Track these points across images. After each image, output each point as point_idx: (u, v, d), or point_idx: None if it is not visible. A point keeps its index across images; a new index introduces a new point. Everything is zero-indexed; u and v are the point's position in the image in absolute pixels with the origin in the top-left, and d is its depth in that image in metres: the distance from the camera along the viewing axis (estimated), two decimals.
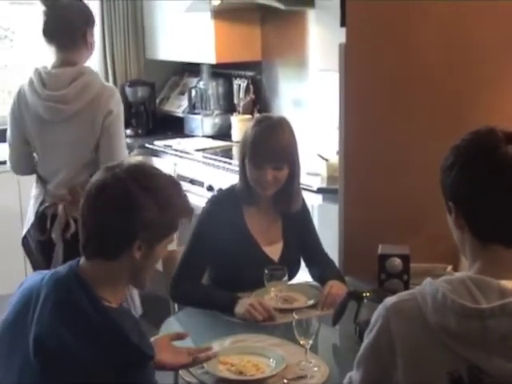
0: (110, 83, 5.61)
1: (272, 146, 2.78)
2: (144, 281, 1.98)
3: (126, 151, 3.53)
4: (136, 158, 1.87)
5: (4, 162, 4.77)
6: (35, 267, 3.54)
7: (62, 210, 3.41)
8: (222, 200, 2.94)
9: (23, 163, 3.59)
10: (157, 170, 1.99)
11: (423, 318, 1.59)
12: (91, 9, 3.53)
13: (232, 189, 2.96)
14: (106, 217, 1.86)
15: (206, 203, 2.95)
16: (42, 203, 3.49)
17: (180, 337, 2.33)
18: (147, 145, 5.33)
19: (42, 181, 3.51)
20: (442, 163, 1.73)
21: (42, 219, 3.46)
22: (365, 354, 1.69)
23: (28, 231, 3.54)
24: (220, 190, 3.23)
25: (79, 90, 3.33)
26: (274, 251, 2.94)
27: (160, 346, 2.16)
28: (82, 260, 1.93)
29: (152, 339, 2.14)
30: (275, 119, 2.89)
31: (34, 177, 3.97)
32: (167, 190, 1.92)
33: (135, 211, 1.85)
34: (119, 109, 3.40)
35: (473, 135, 1.70)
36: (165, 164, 5.01)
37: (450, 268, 2.92)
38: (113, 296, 1.90)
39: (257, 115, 4.94)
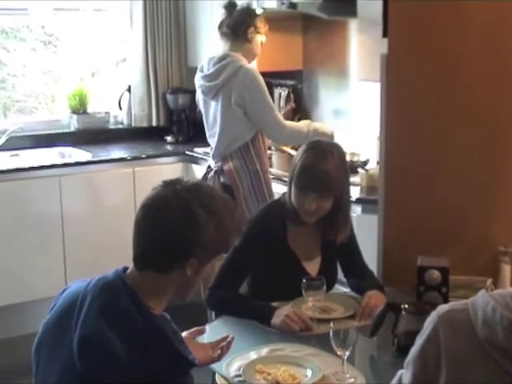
0: (152, 90, 5.69)
1: (318, 174, 2.74)
2: (188, 295, 2.00)
3: (275, 124, 4.02)
4: (194, 178, 2.09)
5: (47, 167, 4.87)
6: None
7: (210, 177, 4.08)
8: (268, 215, 2.92)
9: None
10: (213, 190, 2.04)
11: (473, 330, 1.57)
12: (256, 13, 4.22)
13: (282, 203, 2.91)
14: (167, 232, 1.88)
15: (253, 218, 2.97)
16: (207, 168, 4.21)
17: (200, 332, 2.36)
18: (187, 152, 5.35)
19: (211, 149, 4.18)
20: None
21: None
22: (413, 359, 1.68)
23: None
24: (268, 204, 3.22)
25: (219, 69, 3.96)
26: (313, 266, 2.93)
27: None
28: (131, 268, 1.95)
29: None
30: (326, 146, 2.83)
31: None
32: (223, 211, 1.96)
33: (196, 229, 1.88)
34: (252, 89, 3.95)
35: None
36: (204, 171, 5.02)
37: (489, 281, 2.89)
38: (157, 305, 1.92)
39: None
